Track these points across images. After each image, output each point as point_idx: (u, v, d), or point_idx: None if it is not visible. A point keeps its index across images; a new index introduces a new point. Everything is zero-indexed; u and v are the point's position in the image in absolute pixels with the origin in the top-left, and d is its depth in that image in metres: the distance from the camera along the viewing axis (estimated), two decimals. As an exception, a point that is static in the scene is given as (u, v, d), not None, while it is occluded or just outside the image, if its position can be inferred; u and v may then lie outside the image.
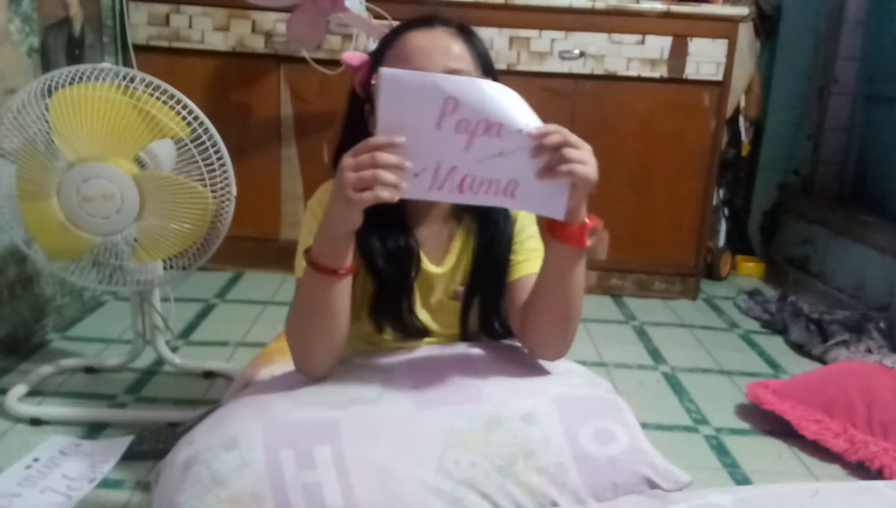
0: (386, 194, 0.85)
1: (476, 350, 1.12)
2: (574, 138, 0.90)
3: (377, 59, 1.07)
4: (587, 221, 0.96)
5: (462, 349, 1.13)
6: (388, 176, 0.85)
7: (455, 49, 1.02)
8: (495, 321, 1.16)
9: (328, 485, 0.87)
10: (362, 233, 1.02)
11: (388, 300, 1.09)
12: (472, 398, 1.00)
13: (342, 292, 0.98)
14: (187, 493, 0.88)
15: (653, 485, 0.97)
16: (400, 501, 0.88)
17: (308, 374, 1.05)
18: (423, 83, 0.87)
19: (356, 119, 1.10)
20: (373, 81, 1.01)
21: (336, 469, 0.89)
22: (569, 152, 0.89)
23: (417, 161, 0.88)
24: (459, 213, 1.13)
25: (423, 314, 1.13)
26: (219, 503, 0.86)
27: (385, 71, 0.86)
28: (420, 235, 1.11)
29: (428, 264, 1.11)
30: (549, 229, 0.99)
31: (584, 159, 0.90)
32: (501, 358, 1.11)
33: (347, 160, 0.87)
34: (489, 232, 1.11)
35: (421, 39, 1.02)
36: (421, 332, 1.12)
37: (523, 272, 1.12)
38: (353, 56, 1.10)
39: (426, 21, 1.05)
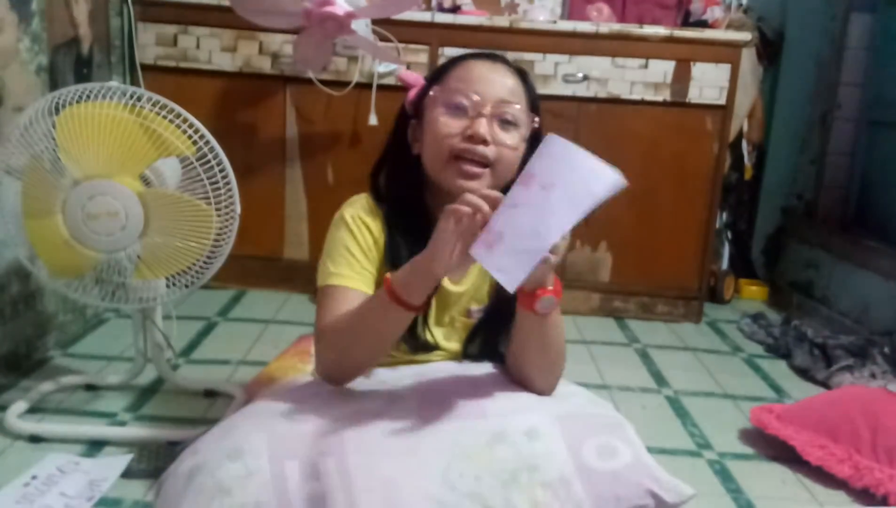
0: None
1: (482, 369, 1.14)
2: None
3: (436, 78, 1.13)
4: (539, 291, 0.97)
5: (468, 366, 1.14)
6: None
7: (511, 84, 1.09)
8: (499, 347, 1.17)
9: (333, 496, 0.87)
10: (393, 243, 1.09)
11: None
12: (477, 414, 1.01)
13: (405, 324, 1.01)
14: (190, 502, 0.88)
15: (656, 498, 0.97)
16: None
17: (332, 381, 1.07)
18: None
19: (401, 136, 1.16)
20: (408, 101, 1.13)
21: (341, 481, 0.89)
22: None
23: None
24: None
25: (435, 331, 1.15)
26: None
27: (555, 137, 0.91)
28: None
29: (447, 283, 1.13)
30: None
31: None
32: (506, 377, 1.12)
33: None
34: None
35: (484, 68, 1.10)
36: (430, 347, 1.14)
37: None
38: (410, 75, 1.17)
39: (490, 56, 1.12)
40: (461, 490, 0.91)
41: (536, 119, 1.11)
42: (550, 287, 0.98)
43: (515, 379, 1.11)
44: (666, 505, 0.97)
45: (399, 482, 0.90)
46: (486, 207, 0.89)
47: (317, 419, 0.98)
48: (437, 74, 1.14)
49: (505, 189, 1.01)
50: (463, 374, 1.11)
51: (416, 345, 1.13)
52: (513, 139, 1.07)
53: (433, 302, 1.13)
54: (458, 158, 1.06)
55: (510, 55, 2.32)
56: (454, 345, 1.17)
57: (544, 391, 1.09)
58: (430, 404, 1.03)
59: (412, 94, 1.16)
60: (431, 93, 1.09)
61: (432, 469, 0.92)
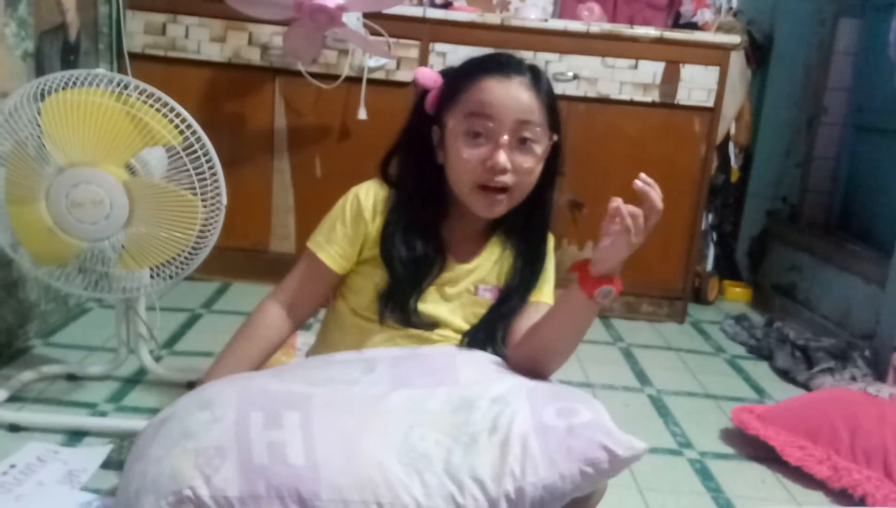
0: None
1: (463, 350, 1.16)
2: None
3: (451, 95, 1.13)
4: (604, 279, 1.04)
5: (449, 348, 1.16)
6: None
7: (526, 99, 1.09)
8: (497, 333, 1.20)
9: (292, 445, 0.90)
10: (390, 227, 1.14)
11: (398, 294, 1.15)
12: (448, 383, 1.04)
13: None
14: (157, 445, 0.92)
15: (609, 452, 0.97)
16: (361, 463, 0.90)
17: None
18: None
19: (420, 137, 1.17)
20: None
21: (302, 432, 0.92)
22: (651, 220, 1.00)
23: None
24: (495, 225, 1.21)
25: (440, 306, 1.17)
26: (184, 452, 0.89)
27: None
28: (452, 235, 1.18)
29: (453, 262, 1.17)
30: (575, 267, 1.07)
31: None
32: (486, 357, 1.15)
33: None
34: (531, 248, 1.20)
35: (498, 88, 1.08)
36: (426, 325, 1.17)
37: (535, 298, 1.20)
38: (427, 77, 1.16)
39: (502, 68, 1.10)
40: (420, 450, 0.93)
41: (555, 137, 1.12)
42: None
43: (514, 361, 1.14)
44: (619, 459, 0.97)
45: (359, 437, 0.93)
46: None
47: (291, 383, 1.01)
48: (452, 89, 1.13)
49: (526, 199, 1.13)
50: (442, 351, 1.14)
51: (408, 321, 1.15)
52: (530, 162, 1.10)
53: (438, 278, 1.16)
54: (481, 187, 1.10)
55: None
56: (458, 321, 1.18)
57: (543, 376, 1.13)
58: (403, 373, 1.05)
59: (432, 96, 1.16)
60: (451, 124, 1.10)
61: (394, 429, 0.95)
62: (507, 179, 1.09)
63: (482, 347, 1.18)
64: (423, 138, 1.16)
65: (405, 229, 1.13)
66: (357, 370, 1.07)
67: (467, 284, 1.19)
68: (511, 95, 1.08)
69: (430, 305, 1.16)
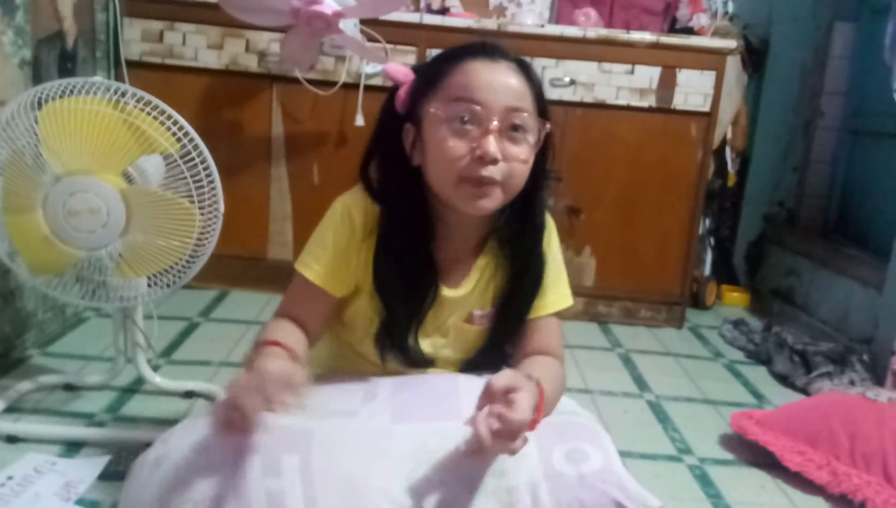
0: None
1: (466, 376, 1.11)
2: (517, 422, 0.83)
3: (431, 81, 1.03)
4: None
5: (451, 374, 1.12)
6: None
7: (516, 84, 1.00)
8: (505, 349, 1.15)
9: (291, 495, 0.87)
10: (381, 256, 1.04)
11: (396, 330, 1.07)
12: (450, 415, 0.99)
13: None
14: (152, 491, 0.88)
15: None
16: None
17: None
18: None
19: (390, 137, 1.07)
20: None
21: (301, 479, 0.88)
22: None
23: None
24: (485, 239, 1.12)
25: (434, 338, 1.11)
26: (182, 504, 0.86)
27: None
28: (441, 256, 1.09)
29: (444, 289, 1.09)
30: None
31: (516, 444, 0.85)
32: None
33: None
34: (523, 260, 1.10)
35: (485, 72, 0.99)
36: (425, 362, 1.10)
37: (533, 314, 1.12)
38: (398, 70, 1.08)
39: (488, 52, 1.02)
40: (424, 496, 0.90)
41: (547, 125, 1.03)
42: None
43: None
44: None
45: (361, 484, 0.89)
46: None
47: (286, 416, 0.96)
48: (432, 77, 1.02)
49: (514, 202, 1.03)
50: (444, 377, 1.09)
51: (410, 361, 1.09)
52: (523, 152, 1.00)
53: (430, 310, 1.09)
54: (469, 179, 0.98)
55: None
56: (448, 352, 1.13)
57: None
58: (404, 404, 1.01)
59: (403, 91, 1.06)
60: (432, 109, 0.99)
61: (397, 472, 0.92)
62: (497, 170, 0.97)
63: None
64: (394, 140, 1.05)
65: (399, 254, 1.04)
66: (357, 397, 1.02)
67: (462, 312, 1.11)
68: (500, 80, 0.98)
69: (424, 340, 1.10)
